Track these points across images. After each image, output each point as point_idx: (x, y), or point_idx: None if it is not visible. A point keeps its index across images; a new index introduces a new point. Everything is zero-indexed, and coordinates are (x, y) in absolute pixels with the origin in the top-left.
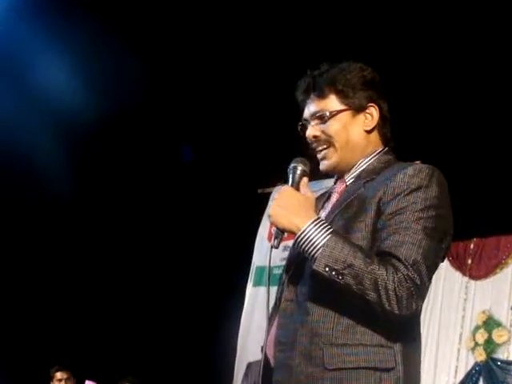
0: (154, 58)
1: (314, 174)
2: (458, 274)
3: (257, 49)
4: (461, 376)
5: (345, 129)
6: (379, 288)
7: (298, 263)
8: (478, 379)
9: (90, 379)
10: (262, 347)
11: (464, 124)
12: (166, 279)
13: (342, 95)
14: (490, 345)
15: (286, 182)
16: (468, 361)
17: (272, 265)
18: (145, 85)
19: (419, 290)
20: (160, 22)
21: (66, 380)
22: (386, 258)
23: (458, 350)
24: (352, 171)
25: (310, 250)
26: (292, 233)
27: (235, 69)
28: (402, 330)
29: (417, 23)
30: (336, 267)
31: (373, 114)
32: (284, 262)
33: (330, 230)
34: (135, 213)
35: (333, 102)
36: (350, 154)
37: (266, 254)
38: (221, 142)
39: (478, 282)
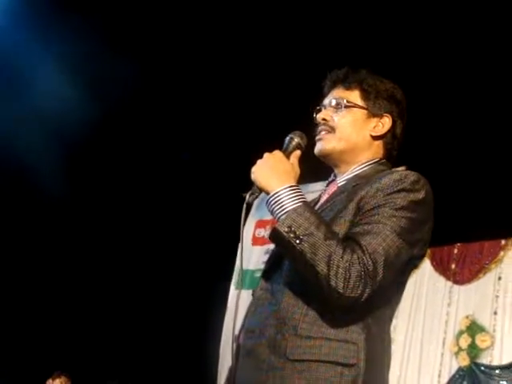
0: (147, 58)
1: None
2: (441, 279)
3: (247, 54)
4: (444, 381)
5: (353, 124)
6: (331, 263)
7: (279, 255)
8: None
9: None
10: (236, 336)
11: (449, 130)
12: (152, 283)
13: (365, 94)
14: (473, 349)
15: None
16: (451, 365)
17: (254, 268)
18: (138, 84)
19: (369, 278)
20: (152, 24)
21: None
22: (348, 241)
23: (442, 355)
24: (345, 174)
25: (278, 212)
26: (267, 193)
27: (226, 73)
28: (370, 328)
29: (402, 30)
30: (297, 231)
31: (385, 124)
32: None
33: (303, 199)
34: (123, 212)
35: (354, 96)
36: (348, 149)
37: (249, 257)
38: (208, 146)
39: (462, 287)
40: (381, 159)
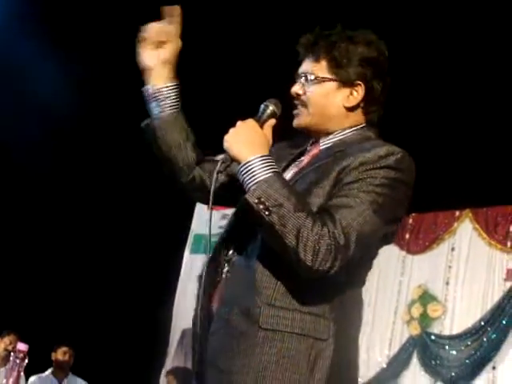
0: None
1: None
2: (395, 249)
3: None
4: (395, 349)
5: (325, 97)
6: (300, 235)
7: (250, 223)
8: (412, 352)
9: (22, 341)
10: (198, 296)
11: (406, 97)
12: (105, 245)
13: (334, 64)
14: (424, 319)
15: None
16: (403, 334)
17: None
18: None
19: (340, 252)
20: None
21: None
22: (322, 213)
23: (393, 323)
24: (328, 138)
25: (248, 181)
26: (238, 162)
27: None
28: (343, 303)
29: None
30: (266, 203)
31: (358, 92)
32: (221, 230)
33: (274, 169)
34: (86, 185)
35: (322, 68)
36: (324, 122)
37: (205, 222)
38: None
39: (415, 257)
40: (364, 125)
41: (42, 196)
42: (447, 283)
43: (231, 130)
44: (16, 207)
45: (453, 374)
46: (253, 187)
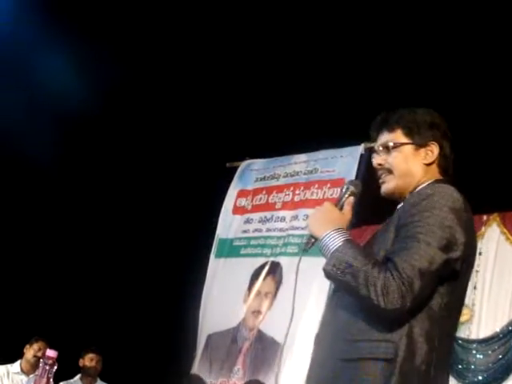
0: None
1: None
2: None
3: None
4: None
5: (405, 160)
6: (369, 284)
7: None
8: None
9: (51, 348)
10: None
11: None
12: (131, 250)
13: (408, 130)
14: None
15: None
16: None
17: (233, 236)
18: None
19: (406, 290)
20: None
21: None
22: (385, 261)
23: None
24: (406, 198)
25: (325, 254)
26: (317, 240)
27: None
28: (412, 329)
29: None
30: (340, 267)
31: (433, 151)
32: (245, 234)
33: (344, 239)
34: (104, 181)
35: (398, 136)
36: (407, 182)
37: (229, 226)
38: (193, 116)
39: None
40: (438, 179)
41: (69, 201)
42: (475, 287)
43: (311, 214)
44: (42, 214)
45: (479, 377)
46: (328, 257)
